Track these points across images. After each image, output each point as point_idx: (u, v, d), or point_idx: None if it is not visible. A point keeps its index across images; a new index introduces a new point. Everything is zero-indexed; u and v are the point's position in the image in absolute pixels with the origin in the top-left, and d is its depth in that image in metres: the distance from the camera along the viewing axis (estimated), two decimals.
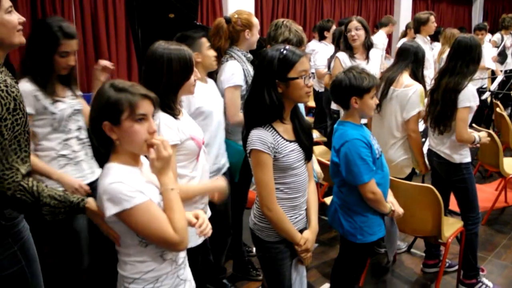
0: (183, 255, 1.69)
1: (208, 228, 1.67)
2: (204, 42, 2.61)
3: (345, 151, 2.21)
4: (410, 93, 3.03)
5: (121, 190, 1.44)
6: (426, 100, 3.14)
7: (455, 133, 2.91)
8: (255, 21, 3.00)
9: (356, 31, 3.75)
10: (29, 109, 2.07)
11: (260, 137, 1.91)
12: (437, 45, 7.01)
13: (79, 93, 2.50)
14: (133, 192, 1.45)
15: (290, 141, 1.98)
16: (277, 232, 2.02)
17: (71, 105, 2.36)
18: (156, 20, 3.57)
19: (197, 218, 1.66)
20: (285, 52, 1.90)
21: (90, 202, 1.63)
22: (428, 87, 4.97)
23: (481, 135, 2.98)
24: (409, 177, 3.23)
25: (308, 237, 2.07)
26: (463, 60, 2.91)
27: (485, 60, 6.07)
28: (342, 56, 3.85)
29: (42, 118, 2.25)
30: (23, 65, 2.28)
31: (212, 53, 2.65)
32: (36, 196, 1.56)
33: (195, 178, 2.10)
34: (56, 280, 2.33)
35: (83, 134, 2.45)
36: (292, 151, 1.97)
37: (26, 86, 2.16)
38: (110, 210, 1.44)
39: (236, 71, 2.82)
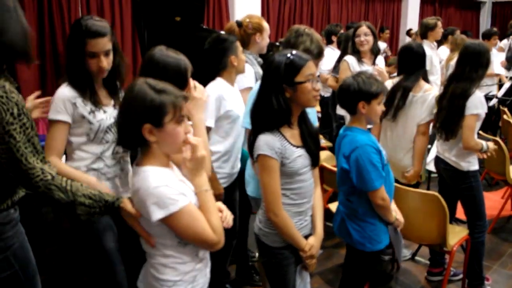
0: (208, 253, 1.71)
1: (230, 218, 1.72)
2: (239, 46, 2.64)
3: (356, 157, 2.19)
4: (429, 98, 3.06)
5: (166, 194, 1.45)
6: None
7: (462, 140, 2.89)
8: (266, 25, 3.06)
9: (365, 36, 3.76)
10: (65, 117, 1.98)
11: (267, 142, 1.90)
12: (442, 49, 6.98)
13: None
14: (177, 195, 1.47)
15: (297, 147, 1.97)
16: (282, 238, 2.01)
17: (114, 114, 2.09)
18: (162, 23, 3.58)
19: (220, 211, 1.69)
20: (291, 56, 1.90)
21: (126, 202, 1.60)
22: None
23: (489, 144, 2.96)
24: (415, 185, 3.21)
25: (313, 243, 2.06)
26: (471, 65, 2.89)
27: (494, 66, 6.03)
28: (351, 60, 3.85)
29: (78, 127, 2.04)
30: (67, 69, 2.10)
31: (244, 57, 2.69)
32: (71, 195, 1.56)
33: None
34: None
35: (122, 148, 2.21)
36: (299, 157, 1.96)
37: (64, 92, 1.99)
38: (157, 214, 1.45)
39: (248, 74, 2.87)
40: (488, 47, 2.96)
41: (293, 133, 1.97)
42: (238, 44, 2.63)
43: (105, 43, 1.97)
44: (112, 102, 2.13)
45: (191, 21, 3.64)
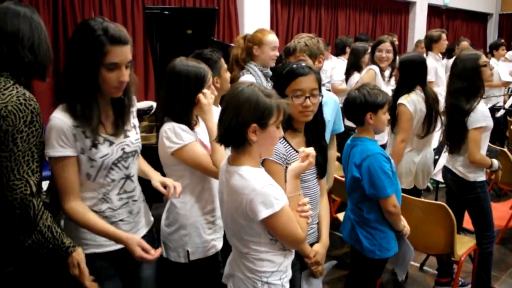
0: None
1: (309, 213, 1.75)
2: (223, 64, 2.55)
3: (368, 165, 2.24)
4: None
5: (272, 193, 1.56)
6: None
7: (468, 154, 2.93)
8: (268, 39, 3.09)
9: (387, 53, 3.82)
10: (70, 151, 1.63)
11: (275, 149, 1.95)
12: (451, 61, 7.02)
13: (136, 123, 1.87)
14: (279, 194, 1.58)
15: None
16: None
17: (122, 146, 1.76)
18: (174, 36, 3.66)
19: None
20: (288, 68, 1.99)
21: (79, 252, 1.67)
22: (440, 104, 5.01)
23: (500, 165, 2.99)
24: (418, 194, 3.23)
25: (318, 250, 2.09)
26: (459, 78, 2.95)
27: (501, 75, 6.06)
28: (377, 70, 3.93)
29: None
30: (61, 87, 1.71)
31: (228, 75, 2.63)
32: (37, 220, 1.60)
33: (206, 190, 2.14)
34: None
35: (132, 185, 1.83)
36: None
37: (60, 120, 1.61)
38: (263, 213, 1.54)
39: None
40: (478, 57, 2.95)
41: (298, 141, 2.03)
42: (221, 62, 2.51)
43: (129, 52, 1.67)
44: (124, 127, 1.77)
45: (202, 34, 3.72)
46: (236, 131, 1.58)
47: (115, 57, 1.59)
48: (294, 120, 2.01)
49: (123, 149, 1.74)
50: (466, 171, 2.99)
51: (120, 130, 1.74)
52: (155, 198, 3.45)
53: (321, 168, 2.10)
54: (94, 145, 1.65)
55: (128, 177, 1.80)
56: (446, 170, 3.18)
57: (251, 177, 1.58)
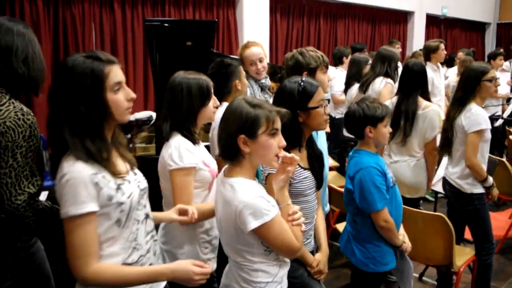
0: None
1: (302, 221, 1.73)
2: (242, 70, 2.73)
3: (360, 178, 2.25)
4: (430, 114, 3.17)
5: (261, 205, 1.58)
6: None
7: (464, 162, 2.94)
8: (245, 55, 3.08)
9: None
10: (92, 206, 1.41)
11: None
12: (451, 71, 7.06)
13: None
14: (270, 206, 1.59)
15: (305, 169, 2.06)
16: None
17: (137, 183, 1.58)
18: (174, 47, 3.68)
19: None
20: (303, 83, 2.03)
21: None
22: None
23: (494, 188, 3.01)
24: (415, 204, 3.24)
25: (320, 259, 2.14)
26: (459, 87, 3.04)
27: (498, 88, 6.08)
28: (392, 83, 4.01)
29: (105, 214, 1.46)
30: (55, 138, 1.45)
31: (246, 81, 2.78)
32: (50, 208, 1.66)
33: None
34: None
35: (152, 223, 1.68)
36: (305, 178, 2.04)
37: (78, 173, 1.39)
38: (252, 224, 1.56)
39: None
40: (484, 71, 2.97)
41: (301, 156, 2.06)
42: (241, 68, 2.71)
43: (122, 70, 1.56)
44: (131, 164, 1.61)
45: (202, 45, 3.74)
46: (227, 143, 1.63)
47: (117, 76, 1.48)
48: (305, 136, 2.07)
49: (138, 186, 1.58)
50: (463, 183, 3.01)
51: (132, 166, 1.60)
52: (154, 209, 3.48)
53: (319, 179, 2.13)
54: (119, 187, 1.47)
55: (148, 216, 1.63)
56: (444, 182, 3.19)
57: (242, 189, 1.60)
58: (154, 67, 3.81)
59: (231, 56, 3.62)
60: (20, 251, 1.72)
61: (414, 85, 3.24)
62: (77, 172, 1.39)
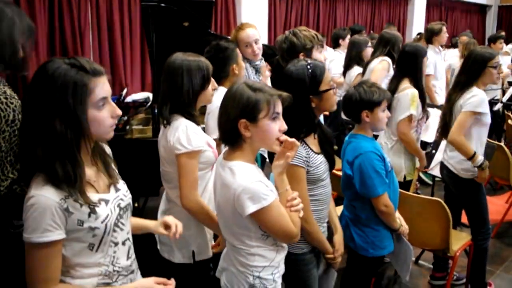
0: None
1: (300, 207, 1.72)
2: (239, 53, 2.68)
3: (359, 164, 2.23)
4: (401, 97, 3.11)
5: (260, 189, 1.57)
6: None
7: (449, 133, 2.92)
8: (239, 37, 3.01)
9: None
10: (58, 234, 1.29)
11: (298, 153, 1.94)
12: (450, 52, 7.01)
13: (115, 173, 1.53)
14: (268, 190, 1.58)
15: (318, 153, 2.04)
16: (304, 244, 2.07)
17: (117, 202, 1.45)
18: (171, 28, 3.63)
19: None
20: (309, 67, 1.98)
21: None
22: (438, 97, 4.99)
23: (484, 166, 2.90)
24: (406, 187, 3.23)
25: (338, 240, 2.19)
26: (462, 70, 2.99)
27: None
28: (390, 61, 3.98)
29: (76, 239, 1.35)
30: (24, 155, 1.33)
31: (243, 64, 2.72)
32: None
33: (208, 191, 2.12)
34: None
35: (130, 241, 1.54)
36: (320, 163, 2.03)
37: (45, 198, 1.27)
38: (250, 208, 1.55)
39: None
40: (490, 56, 2.91)
41: (314, 141, 2.05)
42: (238, 51, 2.66)
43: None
44: (112, 181, 1.47)
45: (199, 26, 3.69)
46: (227, 127, 1.62)
47: (102, 91, 1.32)
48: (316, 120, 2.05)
49: (119, 205, 1.45)
50: (460, 168, 2.99)
51: (112, 183, 1.46)
52: (150, 191, 3.47)
53: (331, 161, 2.13)
54: (92, 211, 1.34)
55: (128, 238, 1.52)
56: (442, 166, 3.18)
57: (241, 173, 1.59)
58: (151, 48, 3.75)
59: (228, 37, 3.56)
60: (12, 237, 1.69)
61: (403, 67, 3.21)
62: (44, 197, 1.27)
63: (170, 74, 2.03)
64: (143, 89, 5.58)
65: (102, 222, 1.36)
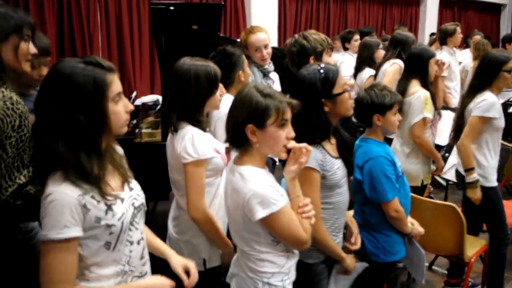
0: None
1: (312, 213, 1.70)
2: (245, 59, 2.63)
3: (369, 168, 2.20)
4: (414, 100, 3.04)
5: (270, 194, 1.55)
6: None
7: (477, 152, 2.85)
8: (250, 40, 2.98)
9: None
10: (76, 231, 1.29)
11: (312, 156, 1.90)
12: (463, 53, 6.91)
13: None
14: (278, 195, 1.56)
15: (336, 158, 2.01)
16: (318, 254, 2.04)
17: (132, 201, 1.45)
18: (179, 31, 3.62)
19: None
20: (323, 70, 1.95)
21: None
22: (453, 99, 4.92)
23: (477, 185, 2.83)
24: (422, 190, 3.17)
25: (356, 232, 2.19)
26: (476, 74, 2.92)
27: None
28: (402, 64, 3.88)
29: (93, 237, 1.34)
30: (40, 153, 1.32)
31: (249, 70, 2.69)
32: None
33: (218, 197, 2.09)
34: None
35: (144, 241, 1.53)
36: (338, 168, 2.00)
37: (64, 194, 1.27)
38: (260, 213, 1.54)
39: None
40: (505, 60, 2.82)
41: (331, 146, 2.02)
42: (244, 57, 2.62)
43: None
44: (126, 180, 1.46)
45: (208, 29, 3.67)
46: (235, 131, 1.60)
47: (118, 86, 1.37)
48: (332, 125, 2.01)
49: (133, 204, 1.44)
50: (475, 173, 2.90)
51: (127, 179, 1.46)
52: (160, 195, 3.45)
53: (350, 167, 2.11)
54: (109, 208, 1.34)
55: (143, 238, 1.51)
56: (458, 174, 3.10)
57: (251, 177, 1.57)
58: (160, 51, 3.76)
59: (237, 40, 3.54)
60: (20, 243, 1.68)
61: (411, 69, 3.15)
62: (63, 193, 1.27)
63: (177, 79, 2.00)
64: (152, 92, 5.59)
65: (118, 220, 1.36)
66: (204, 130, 2.02)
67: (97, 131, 1.32)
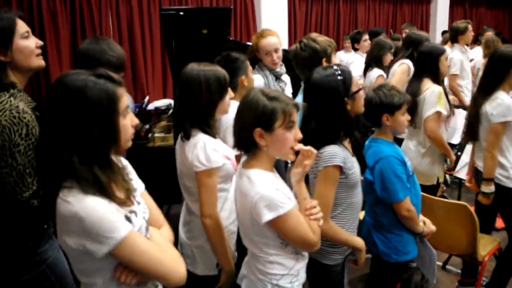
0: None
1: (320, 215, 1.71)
2: (249, 65, 2.66)
3: (380, 168, 2.20)
4: (427, 95, 3.03)
5: (277, 197, 1.56)
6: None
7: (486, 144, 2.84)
8: (260, 44, 3.03)
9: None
10: (127, 225, 1.28)
11: (336, 153, 1.94)
12: (474, 51, 6.85)
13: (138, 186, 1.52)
14: (285, 198, 1.58)
15: (353, 156, 2.04)
16: (339, 256, 2.07)
17: (143, 215, 1.43)
18: (190, 35, 3.65)
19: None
20: (338, 71, 1.99)
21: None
22: (465, 98, 4.89)
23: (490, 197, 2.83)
24: (435, 189, 3.17)
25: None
26: (486, 71, 2.89)
27: None
28: (411, 64, 3.92)
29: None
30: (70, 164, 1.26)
31: (252, 76, 2.72)
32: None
33: (229, 201, 2.11)
34: None
35: None
36: (355, 167, 2.04)
37: (95, 207, 1.23)
38: (267, 216, 1.55)
39: (255, 83, 2.93)
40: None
41: (348, 145, 2.06)
42: (248, 63, 2.63)
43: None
44: (134, 193, 1.42)
45: (219, 33, 3.71)
46: (242, 135, 1.62)
47: (126, 100, 1.35)
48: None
49: (144, 217, 1.42)
50: (498, 174, 2.87)
51: (131, 193, 1.41)
52: (173, 199, 3.49)
53: (363, 165, 2.14)
54: (129, 220, 1.31)
55: None
56: (477, 172, 3.06)
57: (258, 181, 1.59)
58: (171, 55, 3.79)
59: (248, 43, 3.56)
60: (31, 249, 1.72)
61: (422, 68, 3.15)
62: (95, 205, 1.23)
63: (187, 85, 2.00)
64: (164, 96, 5.64)
65: (139, 230, 1.35)
66: (214, 136, 2.03)
67: (109, 145, 1.31)
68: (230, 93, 2.12)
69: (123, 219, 1.27)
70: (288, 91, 3.28)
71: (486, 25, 10.60)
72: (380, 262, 2.36)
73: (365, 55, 5.48)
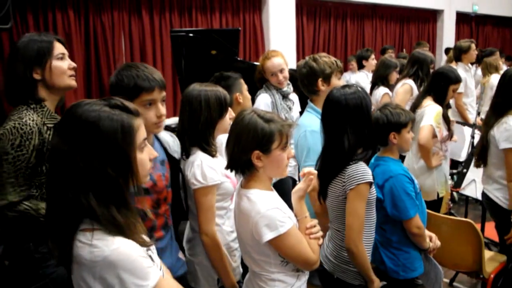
0: None
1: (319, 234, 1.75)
2: (243, 83, 2.71)
3: (391, 187, 2.23)
4: (427, 110, 3.11)
5: (276, 216, 1.59)
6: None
7: (497, 173, 2.86)
8: (266, 65, 3.14)
9: None
10: (157, 272, 1.26)
11: (366, 170, 1.99)
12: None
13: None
14: (285, 217, 1.61)
15: None
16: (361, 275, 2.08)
17: (155, 249, 1.40)
18: (199, 56, 3.75)
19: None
20: (359, 90, 2.06)
21: None
22: (469, 115, 4.92)
23: None
24: (438, 205, 3.19)
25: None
26: (497, 92, 2.91)
27: None
28: (413, 84, 3.99)
29: None
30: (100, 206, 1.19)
31: (248, 95, 2.75)
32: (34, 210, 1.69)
33: (229, 219, 2.13)
34: None
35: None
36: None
37: (128, 247, 1.19)
38: (267, 235, 1.58)
39: (263, 102, 3.02)
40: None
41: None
42: (242, 81, 2.68)
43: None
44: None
45: (227, 53, 3.80)
46: (240, 158, 1.64)
47: (143, 131, 1.26)
48: None
49: (155, 252, 1.39)
50: (500, 196, 2.90)
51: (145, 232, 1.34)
52: (181, 216, 3.53)
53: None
54: (151, 258, 1.27)
55: None
56: (483, 194, 3.09)
57: (258, 200, 1.62)
58: (180, 75, 3.89)
59: (256, 63, 3.65)
60: (36, 263, 1.76)
61: (430, 87, 3.22)
62: (124, 253, 1.16)
63: (188, 104, 2.04)
64: (174, 114, 5.72)
65: (160, 270, 1.29)
66: (213, 155, 2.05)
67: (124, 182, 1.20)
68: (230, 112, 2.15)
69: (152, 264, 1.22)
70: (296, 109, 3.34)
71: (492, 43, 10.66)
72: (388, 279, 2.37)
73: (370, 74, 5.57)
